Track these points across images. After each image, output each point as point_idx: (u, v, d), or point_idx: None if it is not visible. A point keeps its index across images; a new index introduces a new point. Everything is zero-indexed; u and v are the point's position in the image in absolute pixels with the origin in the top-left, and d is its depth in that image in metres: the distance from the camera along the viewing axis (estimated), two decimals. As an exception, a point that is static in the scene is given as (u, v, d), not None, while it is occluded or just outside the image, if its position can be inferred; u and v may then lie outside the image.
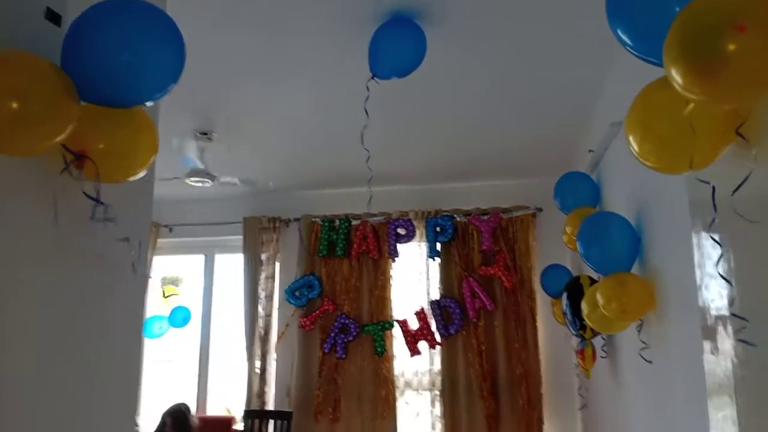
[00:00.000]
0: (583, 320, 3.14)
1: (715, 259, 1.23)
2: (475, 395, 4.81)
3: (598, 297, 2.40)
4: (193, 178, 3.99)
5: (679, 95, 1.17)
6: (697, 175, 1.14)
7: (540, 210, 5.08)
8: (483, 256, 5.01)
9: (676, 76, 0.98)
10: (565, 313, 3.31)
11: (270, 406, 5.17)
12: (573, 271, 4.19)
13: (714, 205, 1.01)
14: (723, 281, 1.32)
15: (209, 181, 4.04)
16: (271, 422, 4.93)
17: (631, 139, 1.25)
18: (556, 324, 4.64)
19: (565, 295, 3.32)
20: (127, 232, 1.73)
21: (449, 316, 4.95)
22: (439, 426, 4.88)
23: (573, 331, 3.28)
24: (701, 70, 0.96)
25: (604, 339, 3.30)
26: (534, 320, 4.87)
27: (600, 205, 3.35)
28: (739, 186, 0.95)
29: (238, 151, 4.35)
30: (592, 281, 3.23)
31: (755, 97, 0.96)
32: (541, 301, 4.83)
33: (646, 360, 2.41)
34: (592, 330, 3.17)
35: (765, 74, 0.95)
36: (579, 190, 3.40)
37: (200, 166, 3.97)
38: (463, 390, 4.85)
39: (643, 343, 2.42)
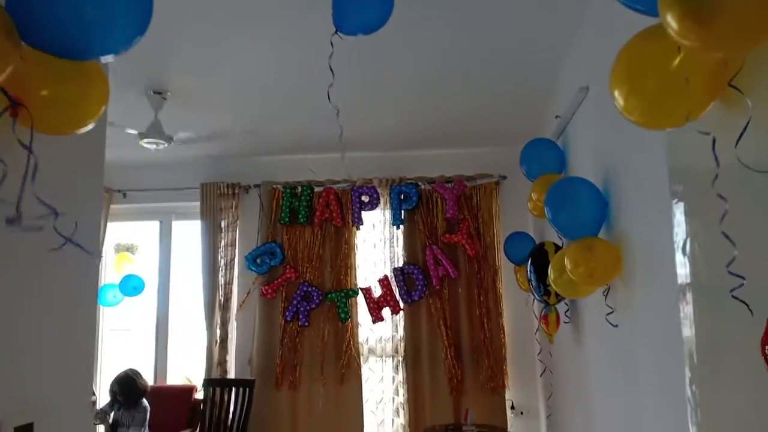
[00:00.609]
0: (548, 286, 3.16)
1: (709, 219, 1.20)
2: (438, 361, 4.84)
3: (566, 262, 2.39)
4: (147, 140, 3.80)
5: (667, 47, 1.13)
6: (685, 129, 1.10)
7: (504, 178, 5.08)
8: (447, 224, 4.99)
9: (671, 22, 0.92)
10: (529, 280, 3.32)
11: (231, 374, 5.09)
12: (536, 238, 4.21)
13: (716, 158, 0.97)
14: (705, 244, 1.30)
15: (164, 142, 3.86)
16: (233, 390, 4.86)
17: (616, 93, 1.20)
18: (519, 291, 4.68)
19: (529, 262, 3.32)
20: (76, 196, 1.61)
21: (413, 283, 4.94)
22: (402, 391, 4.90)
23: (537, 297, 3.29)
24: (696, 15, 0.91)
25: (567, 304, 3.33)
26: (497, 287, 4.90)
27: (565, 172, 3.34)
28: (740, 136, 0.91)
29: (194, 113, 4.18)
30: (557, 248, 3.24)
31: (750, 45, 0.92)
32: (504, 268, 4.87)
33: (612, 324, 2.42)
34: (556, 295, 3.19)
35: (760, 21, 0.91)
36: (545, 157, 3.38)
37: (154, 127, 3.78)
38: (426, 356, 4.87)
39: (609, 307, 2.43)
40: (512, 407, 4.91)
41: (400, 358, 4.96)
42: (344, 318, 4.95)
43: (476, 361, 4.80)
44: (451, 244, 4.93)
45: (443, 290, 4.89)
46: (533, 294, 3.33)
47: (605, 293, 2.47)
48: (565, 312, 3.32)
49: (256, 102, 4.12)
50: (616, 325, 2.40)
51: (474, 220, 4.97)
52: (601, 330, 2.70)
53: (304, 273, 5.07)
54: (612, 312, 2.43)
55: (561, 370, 3.40)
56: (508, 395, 4.86)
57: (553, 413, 4.14)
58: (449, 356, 4.81)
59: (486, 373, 4.77)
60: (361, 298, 5.02)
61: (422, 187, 5.06)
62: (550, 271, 2.67)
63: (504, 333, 4.85)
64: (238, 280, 5.21)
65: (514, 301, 4.89)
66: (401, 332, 4.98)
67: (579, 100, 2.94)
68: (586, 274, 2.31)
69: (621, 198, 2.36)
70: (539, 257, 3.25)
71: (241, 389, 4.84)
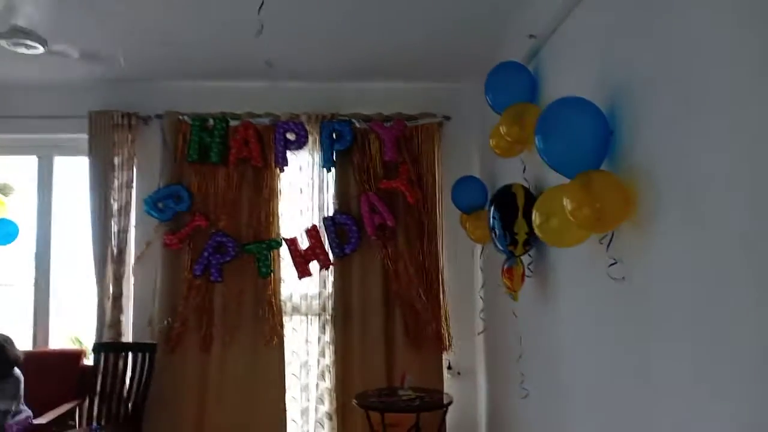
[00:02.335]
0: (515, 235, 2.69)
1: None
2: (370, 320, 4.33)
3: (565, 202, 1.90)
4: (14, 39, 2.91)
5: None
6: None
7: (447, 119, 4.55)
8: (385, 168, 4.41)
9: None
10: (492, 228, 2.83)
11: (128, 337, 4.35)
12: (487, 184, 3.74)
13: None
14: None
15: (39, 46, 2.99)
16: (129, 356, 4.13)
17: None
18: (462, 243, 4.24)
19: (492, 208, 2.83)
20: None
21: (345, 234, 4.36)
22: (328, 353, 4.37)
23: (500, 248, 2.82)
24: None
25: (531, 256, 2.88)
26: (437, 239, 4.42)
27: (538, 102, 2.83)
28: None
29: (76, 15, 3.29)
30: (526, 191, 2.76)
31: None
32: (447, 217, 4.38)
33: (613, 278, 1.97)
34: (524, 246, 2.72)
35: None
36: (515, 84, 2.86)
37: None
38: (358, 314, 4.35)
39: (613, 259, 1.98)
40: (449, 367, 4.52)
41: (328, 317, 4.41)
42: (265, 273, 4.31)
43: (414, 320, 4.33)
44: (389, 190, 4.37)
45: (378, 241, 4.35)
46: (496, 244, 2.85)
47: (606, 241, 2.01)
48: (528, 265, 2.87)
49: (159, 6, 3.30)
50: (623, 278, 1.95)
51: (414, 164, 4.42)
52: (588, 284, 2.26)
53: (217, 221, 4.35)
54: (614, 263, 1.97)
55: (526, 330, 2.97)
56: (448, 355, 4.46)
57: (506, 374, 3.77)
58: (382, 313, 4.32)
59: (424, 332, 4.32)
60: (284, 251, 4.39)
61: (357, 125, 4.43)
62: (534, 215, 2.18)
63: (444, 289, 4.40)
64: (135, 229, 4.41)
65: (456, 254, 4.44)
66: (329, 288, 4.41)
67: (568, 9, 2.42)
68: (593, 216, 1.83)
69: (638, 122, 1.88)
70: (505, 202, 2.76)
71: (139, 354, 4.12)
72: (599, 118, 1.97)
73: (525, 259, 2.88)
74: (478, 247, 4.19)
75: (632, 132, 1.91)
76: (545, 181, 2.70)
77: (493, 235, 2.83)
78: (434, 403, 3.74)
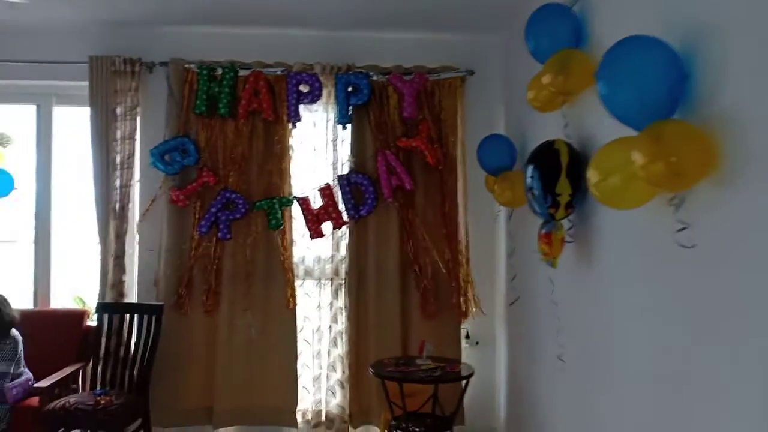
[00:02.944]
0: (557, 196, 2.44)
1: None
2: (386, 284, 4.11)
3: (635, 157, 1.64)
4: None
5: None
6: None
7: (471, 73, 4.25)
8: (404, 126, 4.13)
9: None
10: (529, 189, 2.57)
11: (132, 298, 4.15)
12: (516, 143, 3.47)
13: None
14: None
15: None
16: (135, 318, 3.94)
17: None
18: (485, 207, 4.02)
19: (531, 167, 2.56)
20: None
21: (360, 194, 4.11)
22: (341, 319, 4.17)
23: (539, 211, 2.57)
24: None
25: (571, 221, 2.63)
26: (458, 202, 4.17)
27: (587, 49, 2.54)
28: None
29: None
30: (570, 148, 2.50)
31: None
32: (471, 179, 4.13)
33: (683, 246, 1.73)
34: (566, 208, 2.47)
35: None
36: (559, 28, 2.57)
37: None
38: (373, 279, 4.13)
39: (682, 223, 1.73)
40: (467, 336, 4.33)
41: (341, 281, 4.19)
42: (275, 225, 4.05)
43: (432, 287, 4.11)
44: (407, 149, 4.10)
45: (396, 204, 4.10)
46: (533, 207, 2.60)
47: (675, 203, 1.76)
48: (568, 230, 2.63)
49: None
50: (692, 246, 1.71)
51: (436, 121, 4.14)
52: (646, 251, 2.02)
53: (226, 177, 4.10)
54: (683, 228, 1.73)
55: (564, 299, 2.74)
56: (468, 325, 4.26)
57: (534, 344, 3.57)
58: (399, 279, 4.10)
59: (443, 300, 4.11)
60: (296, 210, 4.15)
61: (375, 78, 4.14)
62: (590, 173, 1.92)
63: (467, 254, 4.17)
64: (139, 183, 4.17)
65: (478, 218, 4.20)
66: (343, 251, 4.19)
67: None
68: (669, 172, 1.57)
69: (722, 63, 1.61)
70: (547, 160, 2.50)
71: (145, 316, 3.93)
72: (673, 60, 1.70)
73: (565, 223, 2.64)
74: (503, 211, 3.95)
75: (713, 76, 1.64)
76: (592, 138, 2.44)
77: (531, 196, 2.58)
78: (455, 373, 3.55)
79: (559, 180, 2.44)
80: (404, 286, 4.14)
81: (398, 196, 4.09)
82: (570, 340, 2.68)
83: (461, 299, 4.15)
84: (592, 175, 1.91)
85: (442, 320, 4.13)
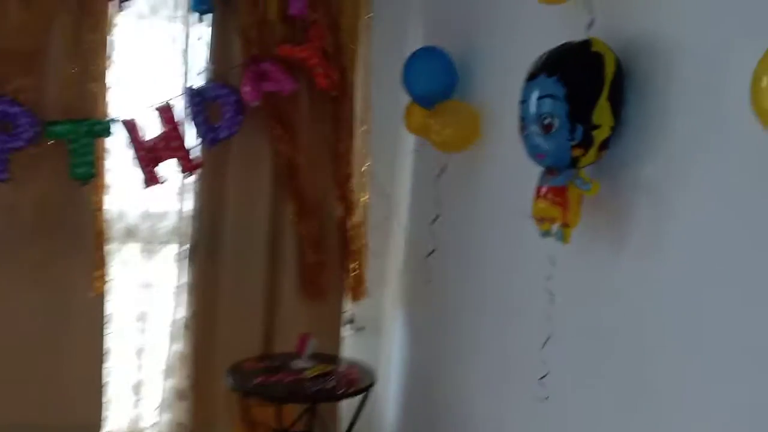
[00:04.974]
0: (592, 129, 1.50)
1: None
2: (251, 253, 2.93)
3: None
4: None
5: None
6: None
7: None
8: (288, 28, 2.89)
9: None
10: (540, 116, 1.55)
11: None
12: (456, 58, 2.43)
13: None
14: None
15: None
16: None
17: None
18: (389, 143, 3.01)
19: (550, 81, 1.53)
20: None
21: (217, 111, 2.80)
22: (185, 302, 2.92)
23: (548, 151, 1.56)
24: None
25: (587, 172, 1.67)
26: (355, 141, 3.07)
27: None
28: None
29: None
30: (615, 55, 1.53)
31: None
32: (375, 111, 3.05)
33: None
34: (600, 149, 1.51)
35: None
36: None
37: None
38: (232, 244, 2.92)
39: None
40: (351, 321, 3.33)
41: (187, 248, 2.93)
42: (83, 174, 2.66)
43: (316, 248, 3.01)
44: (291, 62, 2.88)
45: (274, 123, 2.88)
46: (541, 146, 1.57)
47: None
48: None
49: None
50: None
51: (332, 27, 2.95)
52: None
53: (5, 79, 2.59)
54: None
55: (567, 293, 1.77)
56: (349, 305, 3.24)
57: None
58: (272, 246, 2.95)
59: (331, 275, 3.04)
60: (118, 140, 2.76)
61: (247, -47, 2.84)
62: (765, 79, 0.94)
63: (366, 215, 3.11)
64: None
65: (383, 165, 3.15)
66: (190, 204, 2.91)
67: None
68: None
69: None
70: (582, 70, 1.50)
71: None
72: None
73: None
74: (407, 161, 2.96)
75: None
76: (643, 40, 1.50)
77: (537, 128, 1.56)
78: (353, 382, 2.52)
79: (597, 103, 1.48)
80: (276, 254, 2.99)
81: (272, 108, 2.86)
82: (565, 355, 1.75)
83: (354, 274, 3.11)
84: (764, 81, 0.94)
85: (325, 302, 3.07)
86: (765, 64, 0.98)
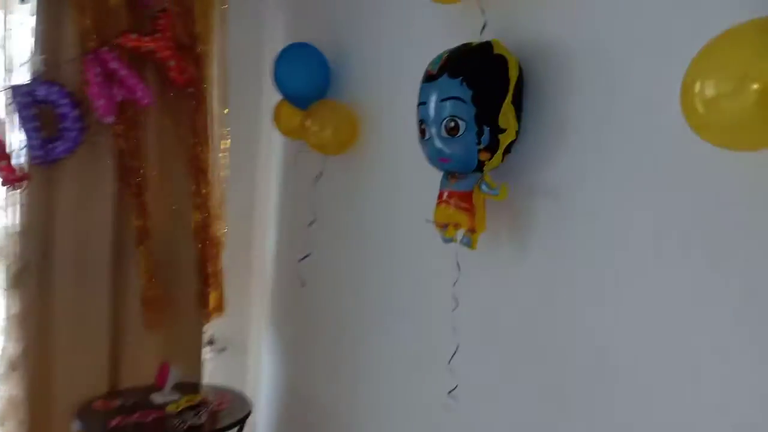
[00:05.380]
0: (498, 132, 1.46)
1: None
2: (90, 274, 2.53)
3: None
4: None
5: None
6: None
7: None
8: (134, 15, 2.53)
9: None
10: (443, 120, 1.46)
11: None
12: (328, 53, 2.29)
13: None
14: None
15: None
16: None
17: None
18: (249, 150, 2.80)
19: (454, 83, 1.44)
20: None
21: (52, 121, 2.39)
22: (12, 335, 2.44)
23: (456, 155, 1.48)
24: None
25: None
26: (212, 143, 2.78)
27: None
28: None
29: None
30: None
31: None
32: (234, 110, 2.78)
33: None
34: (505, 153, 1.47)
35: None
36: None
37: None
38: (68, 264, 2.50)
39: None
40: (210, 342, 3.04)
41: (11, 272, 2.44)
42: None
43: (167, 271, 2.68)
44: (137, 54, 2.53)
45: (120, 135, 2.52)
46: (442, 149, 1.50)
47: None
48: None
49: None
50: None
51: (185, 15, 2.64)
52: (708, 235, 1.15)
53: None
54: None
55: (473, 301, 1.69)
56: (220, 323, 2.96)
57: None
58: (115, 263, 2.58)
59: (185, 293, 2.73)
60: None
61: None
62: (695, 86, 0.93)
63: (224, 225, 2.83)
64: None
65: (241, 168, 2.90)
66: (17, 219, 2.43)
67: None
68: None
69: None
70: (487, 72, 1.43)
71: None
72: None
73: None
74: (273, 163, 2.77)
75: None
76: (538, 44, 1.49)
77: (438, 131, 1.48)
78: (227, 414, 2.26)
79: (503, 106, 1.43)
80: (120, 272, 2.62)
81: (124, 120, 2.50)
82: (474, 367, 1.69)
83: (211, 291, 2.82)
84: (695, 84, 0.93)
85: (179, 323, 2.76)
86: (697, 67, 0.97)
